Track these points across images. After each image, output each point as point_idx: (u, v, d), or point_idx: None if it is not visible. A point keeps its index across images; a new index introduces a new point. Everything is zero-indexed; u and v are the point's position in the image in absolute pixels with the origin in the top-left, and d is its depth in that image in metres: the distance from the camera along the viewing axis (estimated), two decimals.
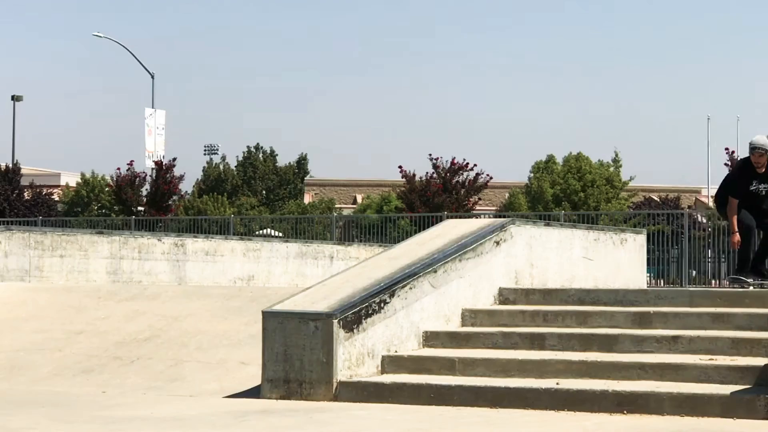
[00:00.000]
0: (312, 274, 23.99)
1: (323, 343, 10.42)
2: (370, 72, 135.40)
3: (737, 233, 13.62)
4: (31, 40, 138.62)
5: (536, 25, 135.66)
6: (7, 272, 17.95)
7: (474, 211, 44.85)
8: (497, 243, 12.63)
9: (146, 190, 47.76)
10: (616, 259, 15.19)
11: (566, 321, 11.65)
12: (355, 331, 10.60)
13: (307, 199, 76.20)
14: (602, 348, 10.91)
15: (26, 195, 52.65)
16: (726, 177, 14.31)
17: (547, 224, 14.17)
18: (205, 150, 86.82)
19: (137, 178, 47.60)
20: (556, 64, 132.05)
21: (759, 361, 10.03)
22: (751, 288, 13.44)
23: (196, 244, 22.26)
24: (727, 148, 41.35)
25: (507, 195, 68.27)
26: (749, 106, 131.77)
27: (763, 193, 13.84)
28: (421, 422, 9.15)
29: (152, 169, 49.29)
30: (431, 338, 11.46)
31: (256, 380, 10.88)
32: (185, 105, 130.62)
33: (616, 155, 65.90)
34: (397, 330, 11.12)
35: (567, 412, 9.61)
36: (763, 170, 13.74)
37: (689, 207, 62.13)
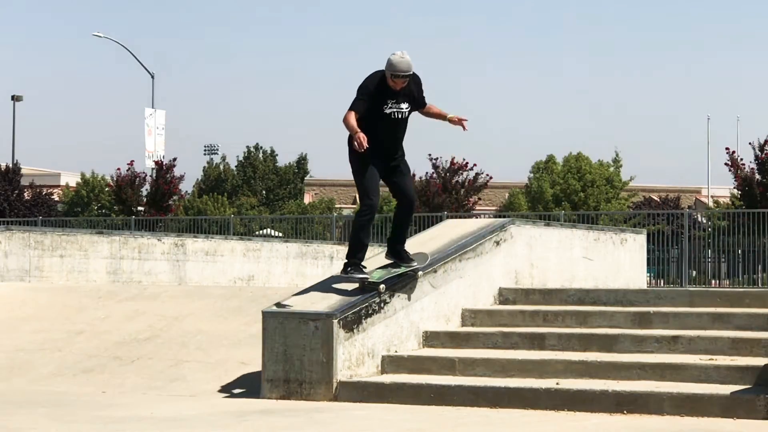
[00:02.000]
0: (312, 274, 23.98)
1: (323, 343, 10.42)
2: (370, 71, 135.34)
3: (361, 133, 10.52)
4: (32, 40, 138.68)
5: (536, 25, 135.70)
6: (7, 272, 17.95)
7: (474, 211, 44.82)
8: (497, 243, 12.63)
9: (146, 190, 47.71)
10: (616, 259, 15.19)
11: (566, 321, 11.65)
12: (355, 331, 10.60)
13: (307, 199, 76.21)
14: (602, 348, 10.91)
15: (26, 195, 52.62)
16: (360, 87, 10.85)
17: (547, 224, 14.18)
18: (205, 150, 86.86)
19: (137, 178, 47.56)
20: (556, 63, 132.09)
21: (759, 361, 10.03)
22: (368, 282, 10.84)
23: (196, 244, 22.27)
24: (727, 148, 41.28)
25: (507, 195, 68.29)
26: (749, 106, 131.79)
27: (406, 114, 10.90)
28: (421, 422, 9.15)
29: (152, 169, 49.25)
30: (431, 338, 11.46)
31: (256, 380, 10.88)
32: (185, 105, 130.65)
33: (616, 155, 66.00)
34: (397, 330, 11.12)
35: (567, 412, 9.61)
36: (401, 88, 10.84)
37: (689, 207, 62.16)
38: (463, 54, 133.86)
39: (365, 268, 10.93)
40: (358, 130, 10.52)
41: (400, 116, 10.82)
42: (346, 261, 10.94)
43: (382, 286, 10.81)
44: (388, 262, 11.16)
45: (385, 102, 10.75)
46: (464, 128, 11.14)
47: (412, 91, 10.90)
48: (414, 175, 44.50)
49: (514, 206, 62.51)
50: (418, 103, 11.03)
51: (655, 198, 63.89)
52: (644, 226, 36.03)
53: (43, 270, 18.61)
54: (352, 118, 10.61)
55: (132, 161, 48.33)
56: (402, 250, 11.20)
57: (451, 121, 11.09)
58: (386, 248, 11.29)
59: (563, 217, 37.22)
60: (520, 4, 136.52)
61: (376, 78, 10.78)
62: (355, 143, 10.52)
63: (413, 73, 10.81)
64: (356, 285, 10.85)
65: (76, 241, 19.31)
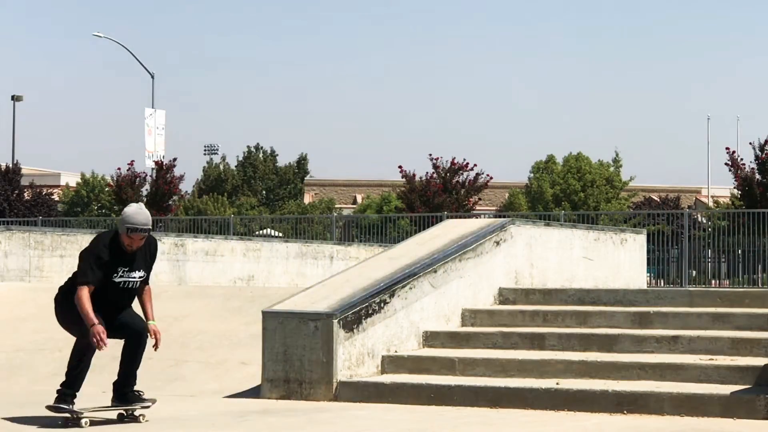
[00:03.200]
0: (312, 274, 23.99)
1: (323, 343, 10.42)
2: (370, 71, 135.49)
3: (99, 326, 8.87)
4: (31, 40, 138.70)
5: (536, 26, 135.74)
6: (7, 272, 17.96)
7: (474, 211, 44.82)
8: (497, 243, 12.63)
9: (146, 190, 47.72)
10: (616, 259, 15.19)
11: (566, 321, 11.65)
12: (355, 331, 10.61)
13: (307, 199, 76.24)
14: (602, 348, 10.92)
15: (26, 195, 52.68)
16: (89, 252, 9.15)
17: (547, 224, 14.18)
18: (205, 150, 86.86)
19: (137, 178, 47.58)
20: (556, 64, 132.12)
21: (759, 361, 10.04)
22: (85, 425, 9.13)
23: (196, 244, 22.27)
24: (727, 148, 41.26)
25: (507, 195, 68.32)
26: (749, 106, 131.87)
27: (138, 284, 9.26)
28: (421, 422, 9.15)
29: (152, 169, 49.26)
30: (431, 338, 11.46)
31: (256, 380, 10.88)
32: (185, 105, 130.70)
33: (616, 155, 66.07)
34: (397, 330, 11.12)
35: (567, 412, 9.61)
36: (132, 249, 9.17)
37: (689, 207, 62.17)
38: (463, 53, 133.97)
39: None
40: (96, 321, 8.86)
41: (131, 285, 9.22)
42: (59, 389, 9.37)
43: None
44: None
45: (115, 270, 9.12)
46: (156, 341, 9.31)
47: (147, 255, 9.32)
48: (414, 175, 44.69)
49: (514, 206, 62.55)
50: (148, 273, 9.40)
51: (655, 198, 63.91)
52: (644, 226, 36.04)
53: (43, 270, 18.61)
54: (87, 300, 8.94)
55: (132, 161, 48.34)
56: (131, 393, 9.42)
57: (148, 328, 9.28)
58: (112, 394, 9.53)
59: (563, 217, 37.21)
60: (520, 2, 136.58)
61: (105, 240, 9.16)
62: (92, 339, 8.88)
63: (154, 239, 9.44)
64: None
65: (76, 241, 19.31)
